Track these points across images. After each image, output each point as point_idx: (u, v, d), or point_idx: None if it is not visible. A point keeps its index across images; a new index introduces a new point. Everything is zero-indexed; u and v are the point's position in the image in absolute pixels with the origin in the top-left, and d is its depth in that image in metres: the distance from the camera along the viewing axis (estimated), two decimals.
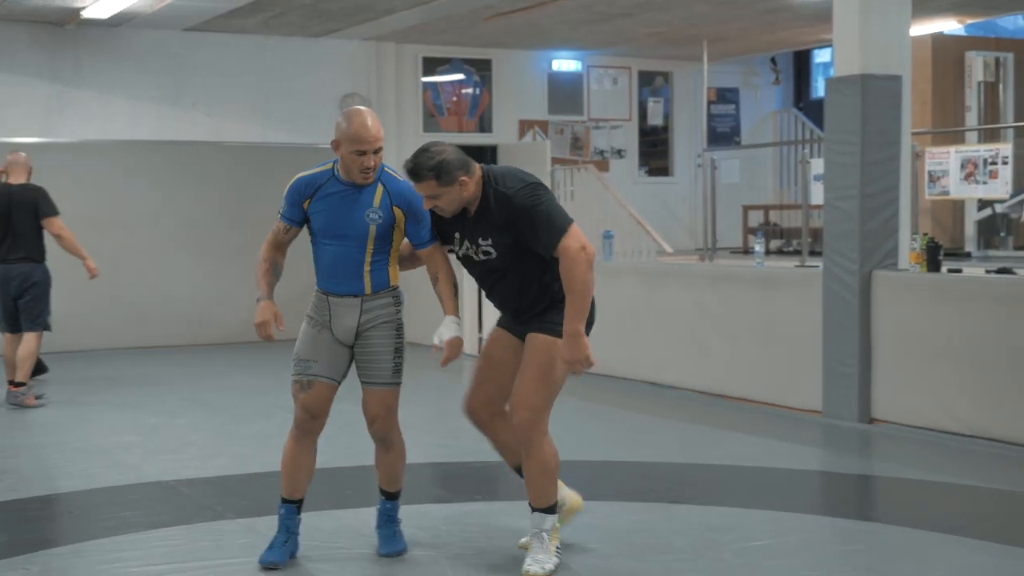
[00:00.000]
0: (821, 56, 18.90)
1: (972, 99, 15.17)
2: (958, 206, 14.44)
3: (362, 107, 5.40)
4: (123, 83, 14.46)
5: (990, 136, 14.58)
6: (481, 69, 16.44)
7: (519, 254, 5.26)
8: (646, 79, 17.85)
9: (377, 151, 5.21)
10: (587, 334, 5.20)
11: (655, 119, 17.95)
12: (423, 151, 5.23)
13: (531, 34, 15.44)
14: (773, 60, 18.53)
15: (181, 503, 6.77)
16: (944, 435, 8.55)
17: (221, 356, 13.83)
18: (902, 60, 9.27)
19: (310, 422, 5.43)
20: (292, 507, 5.53)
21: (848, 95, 9.11)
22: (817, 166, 10.33)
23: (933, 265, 9.06)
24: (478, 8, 13.55)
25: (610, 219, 14.22)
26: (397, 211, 5.32)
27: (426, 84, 16.14)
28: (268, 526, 5.88)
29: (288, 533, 5.50)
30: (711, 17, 14.38)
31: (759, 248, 10.71)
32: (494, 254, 5.29)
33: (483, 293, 5.63)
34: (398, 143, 15.69)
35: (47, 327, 10.41)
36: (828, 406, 9.33)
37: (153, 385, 11.55)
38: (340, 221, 5.29)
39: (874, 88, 9.07)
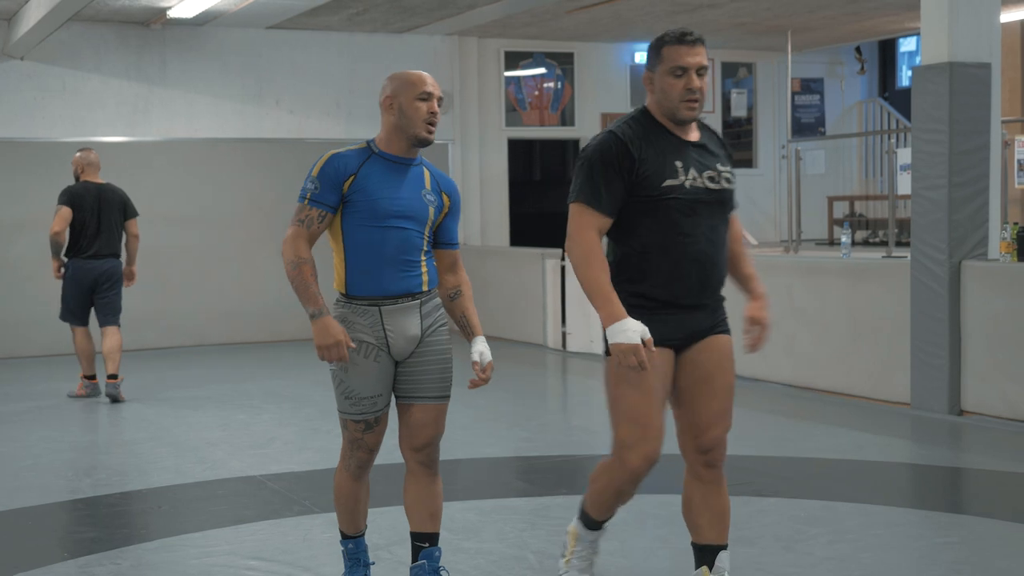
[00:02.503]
0: (906, 45, 18.68)
1: None
2: None
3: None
4: (208, 82, 14.61)
5: None
6: (563, 62, 16.43)
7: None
8: (729, 70, 17.73)
9: (440, 101, 4.64)
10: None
11: (738, 110, 17.82)
12: (686, 30, 4.46)
13: (614, 26, 15.40)
14: (858, 49, 18.33)
15: (268, 498, 6.83)
16: None
17: (305, 351, 13.91)
18: (991, 47, 9.11)
19: (372, 458, 4.78)
20: (361, 538, 4.95)
21: (936, 83, 8.98)
22: (904, 156, 10.20)
23: None
24: (561, 1, 13.53)
25: None
26: (445, 198, 4.73)
27: (508, 78, 16.16)
28: None
29: (366, 566, 4.95)
30: (796, 7, 14.25)
31: (845, 239, 10.60)
32: (733, 183, 4.54)
33: (671, 263, 4.40)
34: (480, 137, 15.77)
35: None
36: (917, 398, 9.22)
37: (239, 381, 11.66)
38: (399, 197, 4.59)
39: (963, 76, 8.94)
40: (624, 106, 16.73)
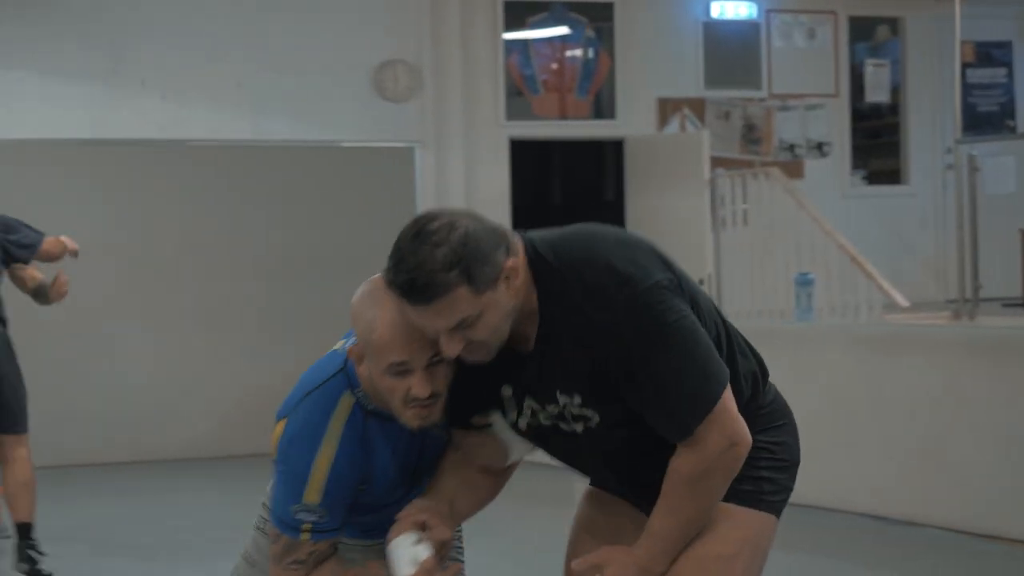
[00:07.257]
0: None
1: None
2: None
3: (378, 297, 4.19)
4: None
5: None
6: (597, 18, 16.29)
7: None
8: (861, 31, 17.60)
9: (436, 358, 4.18)
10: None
11: (878, 94, 17.68)
12: (414, 234, 3.99)
13: None
14: None
15: None
16: None
17: None
18: None
19: None
20: None
21: None
22: None
23: None
24: None
25: (806, 254, 13.89)
26: None
27: (510, 44, 15.98)
28: None
29: None
30: None
31: None
32: (596, 418, 4.22)
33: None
34: (465, 137, 15.50)
35: None
36: None
37: None
38: (413, 485, 4.60)
39: None
40: (695, 87, 16.55)
